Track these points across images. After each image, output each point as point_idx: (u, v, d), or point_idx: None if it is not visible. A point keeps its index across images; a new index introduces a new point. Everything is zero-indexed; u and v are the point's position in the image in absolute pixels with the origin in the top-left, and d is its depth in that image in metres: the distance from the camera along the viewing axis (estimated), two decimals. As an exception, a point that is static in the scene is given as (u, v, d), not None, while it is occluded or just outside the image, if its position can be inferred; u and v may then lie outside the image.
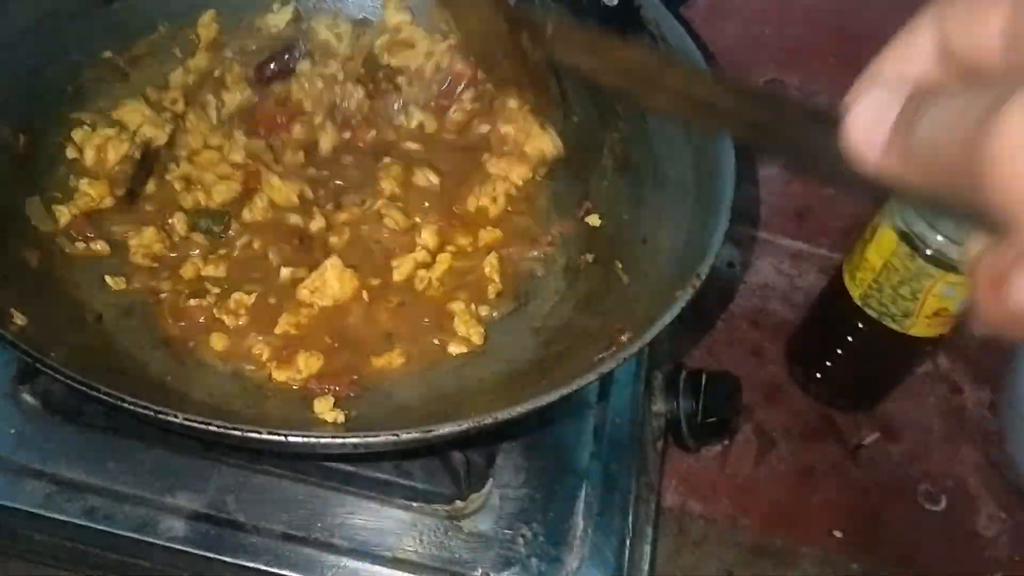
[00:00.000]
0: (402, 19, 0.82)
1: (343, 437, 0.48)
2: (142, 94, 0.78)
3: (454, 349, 0.69)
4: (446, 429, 0.50)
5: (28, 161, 0.69)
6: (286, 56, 0.80)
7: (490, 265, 0.73)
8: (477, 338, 0.69)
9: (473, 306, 0.71)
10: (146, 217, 0.71)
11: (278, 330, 0.67)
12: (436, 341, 0.69)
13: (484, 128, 0.78)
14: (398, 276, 0.71)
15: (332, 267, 0.68)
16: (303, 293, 0.68)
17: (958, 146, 0.26)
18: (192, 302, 0.67)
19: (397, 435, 0.49)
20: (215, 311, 0.67)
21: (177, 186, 0.73)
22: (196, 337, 0.66)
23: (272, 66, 0.79)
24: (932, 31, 0.30)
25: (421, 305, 0.70)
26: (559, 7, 0.76)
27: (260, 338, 0.67)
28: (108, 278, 0.68)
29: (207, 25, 0.81)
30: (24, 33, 0.69)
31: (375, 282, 0.71)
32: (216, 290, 0.69)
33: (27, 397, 0.68)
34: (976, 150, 0.25)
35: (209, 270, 0.69)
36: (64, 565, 0.67)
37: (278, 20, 0.83)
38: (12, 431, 0.67)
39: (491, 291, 0.72)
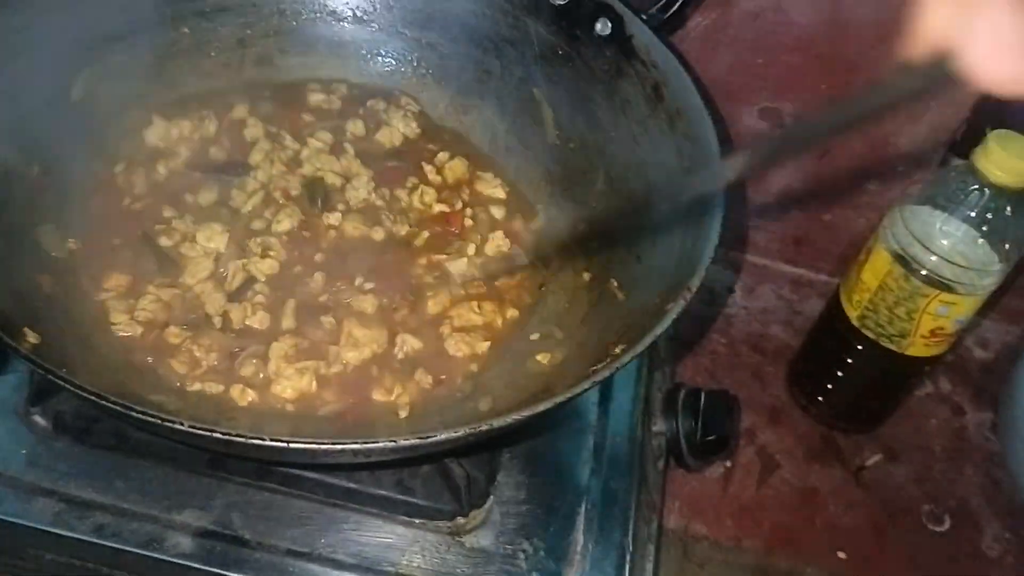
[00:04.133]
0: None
1: (342, 443, 0.49)
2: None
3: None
4: (443, 436, 0.51)
5: (41, 190, 0.71)
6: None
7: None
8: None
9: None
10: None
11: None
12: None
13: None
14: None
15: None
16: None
17: None
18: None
19: (395, 441, 0.50)
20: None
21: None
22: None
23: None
24: None
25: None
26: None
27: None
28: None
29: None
30: (37, 68, 0.72)
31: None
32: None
33: (38, 419, 0.70)
34: None
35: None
36: (74, 585, 0.68)
37: None
38: (23, 451, 0.68)
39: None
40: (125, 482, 0.68)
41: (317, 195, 0.79)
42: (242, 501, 0.68)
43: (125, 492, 0.67)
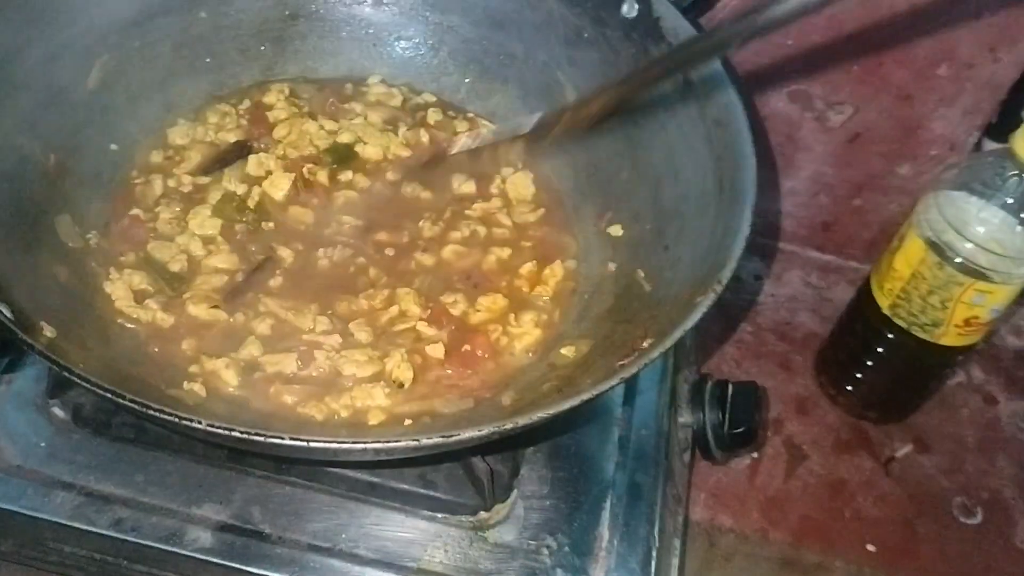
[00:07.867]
0: None
1: (364, 442, 0.48)
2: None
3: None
4: (467, 434, 0.49)
5: (58, 180, 0.70)
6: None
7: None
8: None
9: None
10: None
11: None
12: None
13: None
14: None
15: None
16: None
17: None
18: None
19: (418, 440, 0.49)
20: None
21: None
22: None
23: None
24: None
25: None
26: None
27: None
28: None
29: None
30: (52, 57, 0.71)
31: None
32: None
33: (57, 411, 0.69)
34: None
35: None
36: (93, 578, 0.68)
37: None
38: (43, 444, 0.68)
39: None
40: (144, 475, 0.67)
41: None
42: (262, 495, 0.67)
43: (144, 485, 0.67)
